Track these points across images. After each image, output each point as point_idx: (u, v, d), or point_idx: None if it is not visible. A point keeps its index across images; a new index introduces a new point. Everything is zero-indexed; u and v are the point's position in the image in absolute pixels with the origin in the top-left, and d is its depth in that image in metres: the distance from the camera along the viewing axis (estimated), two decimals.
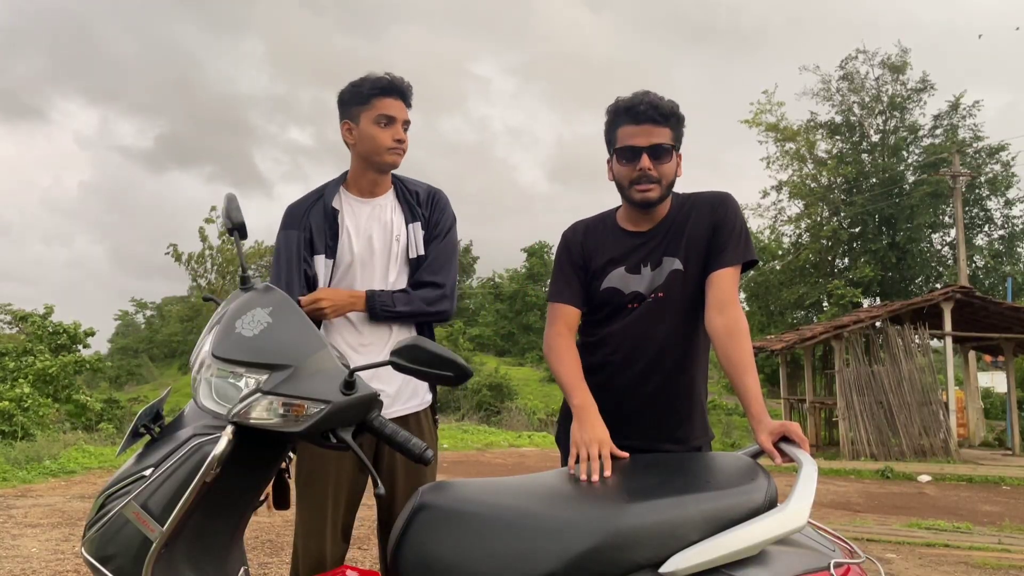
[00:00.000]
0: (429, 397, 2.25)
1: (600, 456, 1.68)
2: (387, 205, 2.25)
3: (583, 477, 1.63)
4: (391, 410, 2.09)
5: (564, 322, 2.05)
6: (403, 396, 2.16)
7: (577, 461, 1.70)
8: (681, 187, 2.09)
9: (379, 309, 2.13)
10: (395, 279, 2.21)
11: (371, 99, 2.17)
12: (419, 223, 2.24)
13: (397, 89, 2.19)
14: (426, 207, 2.28)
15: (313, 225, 2.20)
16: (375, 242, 2.21)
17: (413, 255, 2.22)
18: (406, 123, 2.22)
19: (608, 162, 2.07)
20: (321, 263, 2.19)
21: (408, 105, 2.23)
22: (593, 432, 1.76)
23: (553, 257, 2.23)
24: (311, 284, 2.18)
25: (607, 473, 1.64)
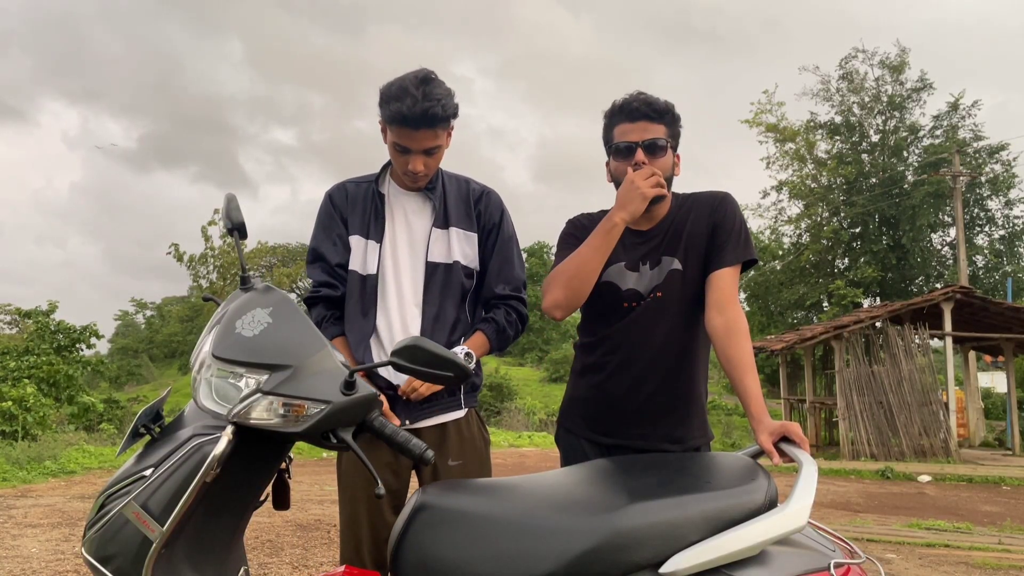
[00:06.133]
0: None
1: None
2: (422, 199, 2.16)
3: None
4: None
5: None
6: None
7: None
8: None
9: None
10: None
11: (391, 122, 1.99)
12: (459, 229, 2.15)
13: (408, 121, 1.94)
14: (473, 207, 2.19)
15: (355, 205, 2.14)
16: (416, 233, 2.14)
17: (448, 260, 2.13)
18: (428, 151, 2.01)
19: (607, 164, 2.08)
20: (362, 245, 2.11)
21: (433, 128, 1.97)
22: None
23: (552, 257, 2.22)
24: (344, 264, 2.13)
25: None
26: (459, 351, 2.06)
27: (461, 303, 2.15)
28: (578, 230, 2.11)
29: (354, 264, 2.12)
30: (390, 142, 2.04)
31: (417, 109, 1.91)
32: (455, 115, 2.03)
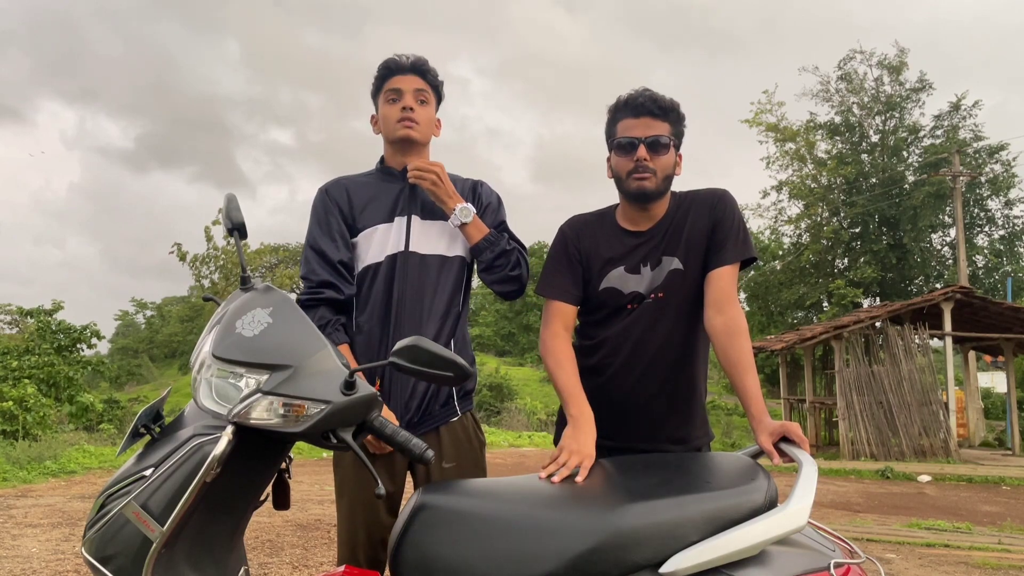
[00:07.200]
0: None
1: (576, 470, 1.64)
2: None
3: (542, 476, 1.62)
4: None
5: (561, 322, 2.03)
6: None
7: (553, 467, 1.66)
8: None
9: (485, 238, 2.06)
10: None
11: (381, 83, 2.15)
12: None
13: (400, 66, 2.13)
14: (472, 194, 2.21)
15: (368, 196, 2.12)
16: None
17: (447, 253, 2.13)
18: (419, 92, 2.13)
19: (608, 160, 2.07)
20: (378, 230, 2.08)
21: (422, 76, 2.14)
22: (582, 446, 1.73)
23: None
24: (348, 267, 2.09)
25: (578, 479, 1.61)
26: (460, 207, 2.07)
27: (455, 293, 2.14)
28: (569, 241, 2.08)
29: (374, 254, 2.08)
30: (383, 95, 2.14)
31: (407, 57, 2.15)
32: (441, 87, 2.20)
